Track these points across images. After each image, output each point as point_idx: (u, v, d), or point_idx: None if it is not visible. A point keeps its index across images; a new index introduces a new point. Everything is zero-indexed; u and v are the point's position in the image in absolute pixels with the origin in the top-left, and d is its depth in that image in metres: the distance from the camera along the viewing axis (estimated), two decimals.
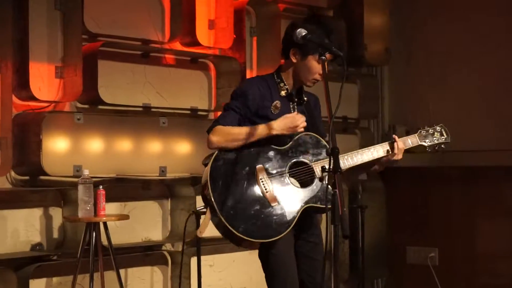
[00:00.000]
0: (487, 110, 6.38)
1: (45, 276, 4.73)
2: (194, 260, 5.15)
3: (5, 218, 4.61)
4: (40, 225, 4.75)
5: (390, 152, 3.76)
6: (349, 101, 6.61)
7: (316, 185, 3.59)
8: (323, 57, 3.41)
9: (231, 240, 3.57)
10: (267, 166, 3.56)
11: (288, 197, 3.54)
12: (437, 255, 6.58)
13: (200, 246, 4.96)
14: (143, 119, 5.14)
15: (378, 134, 7.00)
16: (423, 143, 3.94)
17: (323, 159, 3.63)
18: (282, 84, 3.69)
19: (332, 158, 3.10)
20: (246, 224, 3.46)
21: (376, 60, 6.70)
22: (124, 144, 5.01)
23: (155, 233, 5.35)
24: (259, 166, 3.55)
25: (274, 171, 3.57)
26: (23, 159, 4.58)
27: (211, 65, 5.70)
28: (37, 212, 4.75)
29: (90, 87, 4.76)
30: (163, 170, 5.09)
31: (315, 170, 3.60)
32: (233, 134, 3.54)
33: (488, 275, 6.32)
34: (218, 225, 3.52)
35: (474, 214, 6.42)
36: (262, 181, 3.53)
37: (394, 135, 3.82)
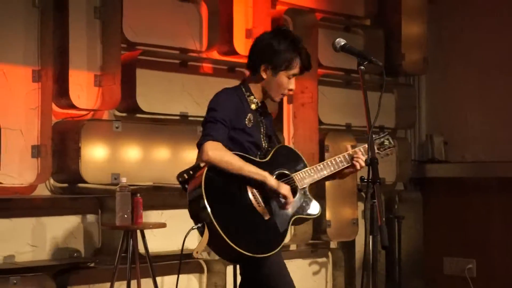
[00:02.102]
0: None
1: (83, 283, 4.76)
2: (230, 269, 5.16)
3: (44, 225, 4.66)
4: (78, 232, 4.79)
5: (351, 164, 3.70)
6: (386, 110, 6.57)
7: (299, 196, 3.57)
8: (362, 67, 3.38)
9: (225, 256, 3.51)
10: (255, 180, 3.48)
11: (277, 210, 3.49)
12: (475, 266, 6.50)
13: None
14: (180, 128, 5.16)
15: (415, 144, 6.95)
16: (379, 152, 3.86)
17: (300, 169, 3.62)
18: (252, 97, 3.64)
19: (371, 169, 3.08)
20: (246, 240, 3.37)
21: (414, 69, 6.67)
22: (162, 153, 5.04)
23: (192, 242, 5.34)
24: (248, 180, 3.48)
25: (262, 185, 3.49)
26: (62, 167, 4.62)
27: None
28: (75, 220, 4.79)
29: (128, 96, 4.79)
30: None
31: (296, 180, 3.57)
32: (232, 164, 3.42)
33: None
34: (217, 243, 3.37)
35: None
36: (253, 195, 3.47)
37: (348, 146, 3.76)
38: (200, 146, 3.46)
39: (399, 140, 6.78)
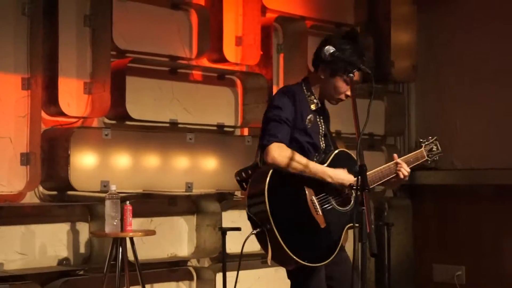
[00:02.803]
0: None
1: None
2: (219, 276, 5.15)
3: (33, 232, 4.64)
4: (67, 240, 4.78)
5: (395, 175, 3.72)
6: (376, 117, 6.59)
7: (352, 204, 3.57)
8: (351, 75, 3.40)
9: (280, 262, 3.48)
10: (313, 185, 3.50)
11: (333, 218, 3.50)
12: (464, 273, 6.51)
13: (225, 262, 4.96)
14: (170, 135, 5.16)
15: (404, 151, 6.95)
16: (428, 158, 3.91)
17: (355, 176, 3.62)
18: (312, 97, 3.63)
19: (360, 176, 3.09)
20: (303, 249, 3.40)
21: (403, 76, 6.68)
22: (151, 160, 5.03)
23: (181, 249, 5.36)
24: (306, 185, 3.48)
25: (320, 191, 3.51)
26: (51, 174, 4.61)
27: (238, 82, 5.72)
28: (65, 227, 4.78)
29: (118, 103, 4.79)
30: (189, 186, 5.10)
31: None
32: (298, 167, 3.42)
33: None
34: (274, 249, 3.39)
35: (503, 232, 6.35)
36: (312, 202, 3.48)
37: (394, 155, 3.78)
38: (264, 147, 3.45)
39: (388, 147, 6.80)
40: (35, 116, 4.56)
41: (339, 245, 3.52)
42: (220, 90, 5.63)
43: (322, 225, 3.46)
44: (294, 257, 3.36)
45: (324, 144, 3.66)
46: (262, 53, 5.57)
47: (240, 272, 5.48)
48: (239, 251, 5.61)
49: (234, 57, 5.59)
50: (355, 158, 3.61)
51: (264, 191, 3.37)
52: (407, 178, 3.74)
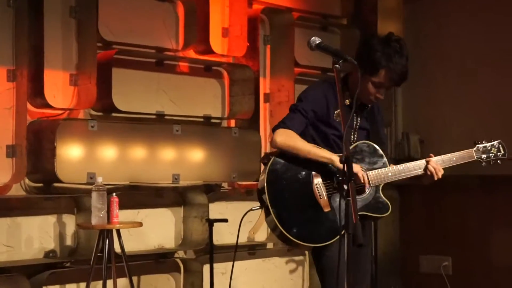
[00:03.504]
0: (503, 118, 6.35)
1: (59, 283, 4.74)
2: (206, 268, 5.16)
3: (19, 225, 4.63)
4: (53, 232, 4.77)
5: (424, 172, 3.77)
6: None
7: (369, 194, 3.65)
8: (337, 66, 3.40)
9: (283, 242, 3.64)
10: (323, 172, 3.60)
11: (339, 204, 3.50)
12: (451, 264, 6.55)
13: (212, 254, 4.97)
14: (156, 127, 5.15)
15: (391, 142, 6.98)
16: (479, 159, 3.92)
17: (378, 167, 3.68)
18: (347, 93, 3.69)
19: (346, 167, 3.10)
20: (299, 228, 3.54)
21: None
22: (138, 152, 5.02)
23: (168, 241, 5.36)
24: (315, 172, 3.60)
25: (330, 178, 3.60)
26: (37, 166, 4.60)
27: (225, 73, 5.71)
28: (51, 219, 4.77)
29: (104, 95, 4.78)
30: (176, 178, 5.10)
31: (369, 177, 3.64)
32: (298, 149, 3.58)
33: (502, 285, 6.28)
34: (273, 227, 3.59)
35: (489, 223, 6.39)
36: (317, 187, 3.58)
37: (430, 154, 3.82)
38: (272, 132, 3.66)
39: None
40: (21, 108, 4.54)
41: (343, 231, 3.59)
42: (206, 81, 5.62)
43: (326, 209, 3.57)
44: (287, 234, 3.51)
45: (355, 138, 3.74)
46: (248, 44, 5.57)
47: (227, 263, 5.53)
48: (226, 242, 5.65)
49: (221, 49, 5.59)
50: (381, 153, 3.74)
51: (266, 172, 3.57)
52: (437, 177, 3.77)
